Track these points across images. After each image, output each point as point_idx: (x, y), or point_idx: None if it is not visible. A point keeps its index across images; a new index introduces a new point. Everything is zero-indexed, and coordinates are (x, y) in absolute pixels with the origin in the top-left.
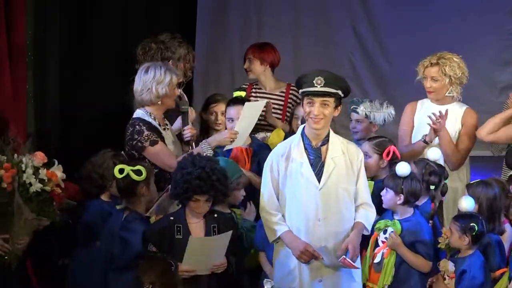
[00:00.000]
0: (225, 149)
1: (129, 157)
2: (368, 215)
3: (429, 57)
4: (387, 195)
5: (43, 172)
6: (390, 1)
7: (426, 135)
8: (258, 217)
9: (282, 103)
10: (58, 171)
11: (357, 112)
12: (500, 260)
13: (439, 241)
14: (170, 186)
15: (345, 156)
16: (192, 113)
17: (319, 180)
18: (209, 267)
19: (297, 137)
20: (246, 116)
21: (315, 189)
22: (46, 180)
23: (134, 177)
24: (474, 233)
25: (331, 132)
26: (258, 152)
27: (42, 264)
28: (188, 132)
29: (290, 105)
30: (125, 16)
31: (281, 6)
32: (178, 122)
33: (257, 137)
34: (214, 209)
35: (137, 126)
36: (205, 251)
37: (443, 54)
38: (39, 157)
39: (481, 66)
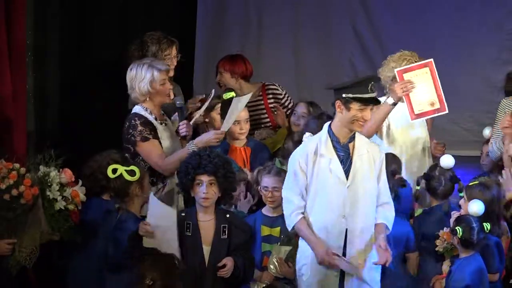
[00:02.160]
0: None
1: (125, 151)
2: (387, 215)
3: (403, 57)
4: None
5: (68, 191)
6: (390, 1)
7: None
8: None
9: (263, 106)
10: (80, 192)
11: None
12: (499, 263)
13: (437, 244)
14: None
15: (369, 155)
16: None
17: (347, 177)
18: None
19: (324, 134)
20: (232, 113)
21: (343, 186)
22: (70, 200)
23: (127, 177)
24: (460, 237)
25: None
26: (256, 150)
27: (42, 264)
28: (184, 127)
29: (271, 103)
30: (125, 16)
31: (281, 6)
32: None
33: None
34: (229, 209)
35: (132, 121)
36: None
37: (405, 53)
38: (68, 175)
39: (481, 66)
